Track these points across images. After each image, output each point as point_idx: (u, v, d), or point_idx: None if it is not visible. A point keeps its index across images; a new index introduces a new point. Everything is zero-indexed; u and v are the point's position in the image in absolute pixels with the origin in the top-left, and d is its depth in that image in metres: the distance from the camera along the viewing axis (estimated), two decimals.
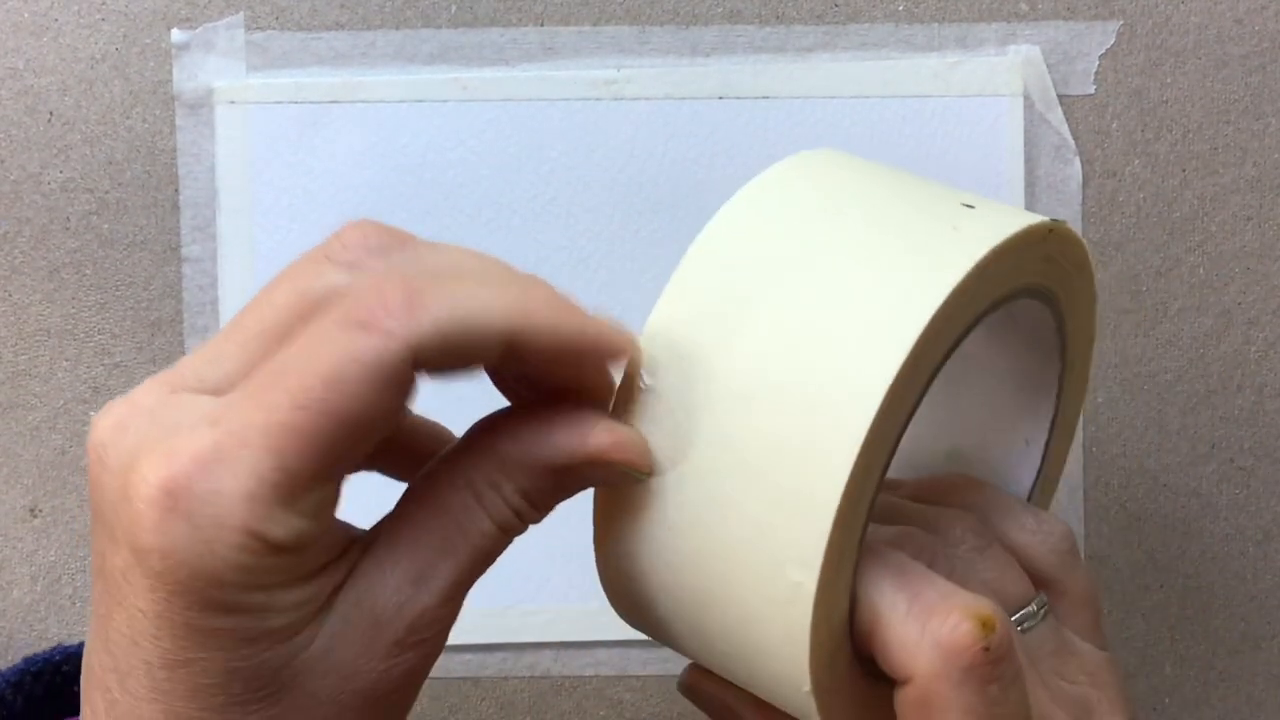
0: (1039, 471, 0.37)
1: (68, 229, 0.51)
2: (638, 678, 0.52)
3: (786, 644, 0.27)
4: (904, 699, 0.27)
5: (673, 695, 0.51)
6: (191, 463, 0.23)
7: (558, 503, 0.27)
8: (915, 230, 0.28)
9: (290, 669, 0.24)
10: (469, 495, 0.26)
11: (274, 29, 0.50)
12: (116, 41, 0.50)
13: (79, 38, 0.50)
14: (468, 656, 0.51)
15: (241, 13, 0.50)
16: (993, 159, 0.51)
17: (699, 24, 0.51)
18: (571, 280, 0.51)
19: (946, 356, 0.28)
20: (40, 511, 0.51)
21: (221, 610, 0.23)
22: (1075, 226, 0.51)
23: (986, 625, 0.27)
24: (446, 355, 0.24)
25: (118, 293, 0.51)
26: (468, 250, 0.27)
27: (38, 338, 0.51)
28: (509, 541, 0.27)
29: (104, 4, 0.50)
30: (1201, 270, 0.52)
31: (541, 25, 0.51)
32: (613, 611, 0.31)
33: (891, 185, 0.31)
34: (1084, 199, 0.51)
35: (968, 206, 0.29)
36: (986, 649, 0.26)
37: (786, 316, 0.28)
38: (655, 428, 0.28)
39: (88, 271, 0.51)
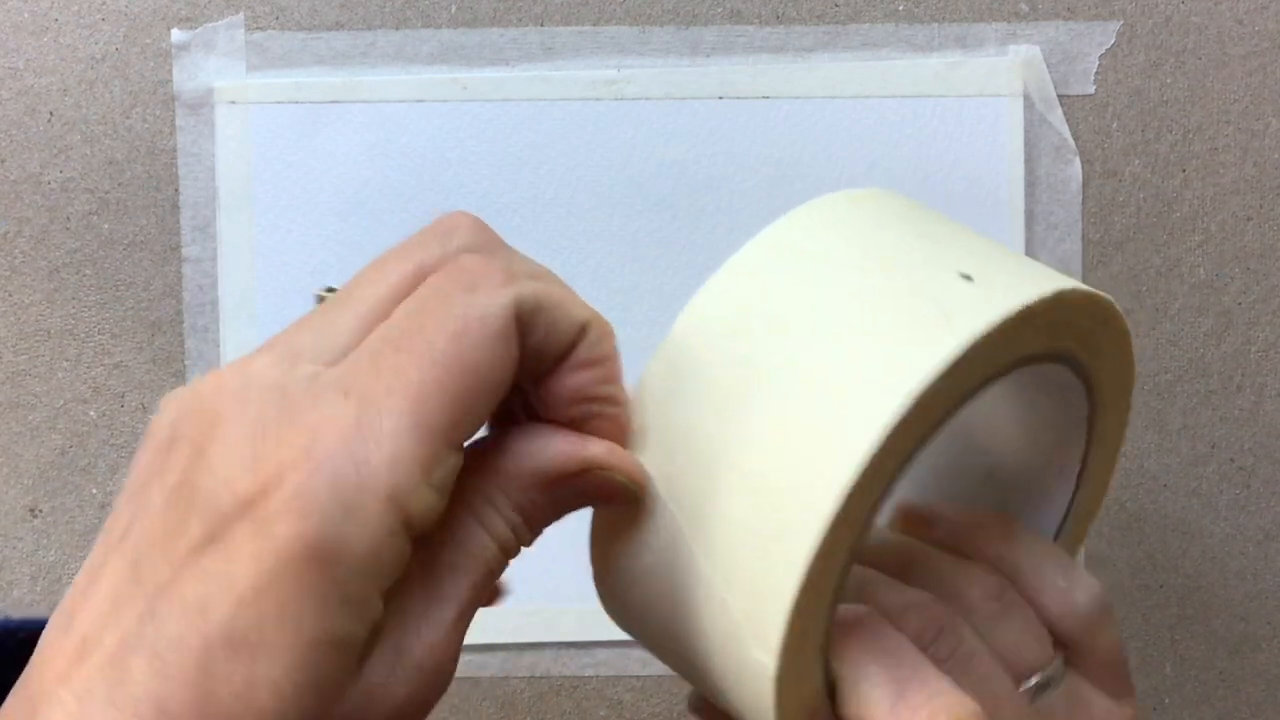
0: (1071, 502, 0.36)
1: (68, 229, 0.51)
2: (638, 678, 0.52)
3: (755, 711, 0.27)
4: None
5: (672, 695, 0.51)
6: (336, 438, 0.23)
7: (551, 520, 0.27)
8: (901, 312, 0.28)
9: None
10: (469, 516, 0.26)
11: (274, 29, 0.50)
12: (116, 41, 0.50)
13: (79, 38, 0.50)
14: (468, 656, 0.51)
15: (241, 13, 0.50)
16: (993, 159, 0.51)
17: (699, 24, 0.51)
18: (571, 280, 0.51)
19: (943, 421, 0.28)
20: (40, 511, 0.51)
21: (333, 594, 0.22)
22: (1075, 227, 0.51)
23: None
24: (535, 329, 0.25)
25: (118, 293, 0.51)
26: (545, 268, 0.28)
27: (38, 338, 0.51)
28: (507, 564, 0.27)
29: (104, 4, 0.50)
30: (1201, 270, 0.52)
31: (541, 25, 0.51)
32: None
33: (890, 247, 0.30)
34: (1084, 199, 0.51)
35: (966, 278, 0.28)
36: None
37: (756, 402, 0.27)
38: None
39: (88, 271, 0.51)
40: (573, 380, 0.27)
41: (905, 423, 0.26)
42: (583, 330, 0.26)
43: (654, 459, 0.28)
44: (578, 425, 0.27)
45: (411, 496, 0.23)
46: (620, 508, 0.28)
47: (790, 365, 0.27)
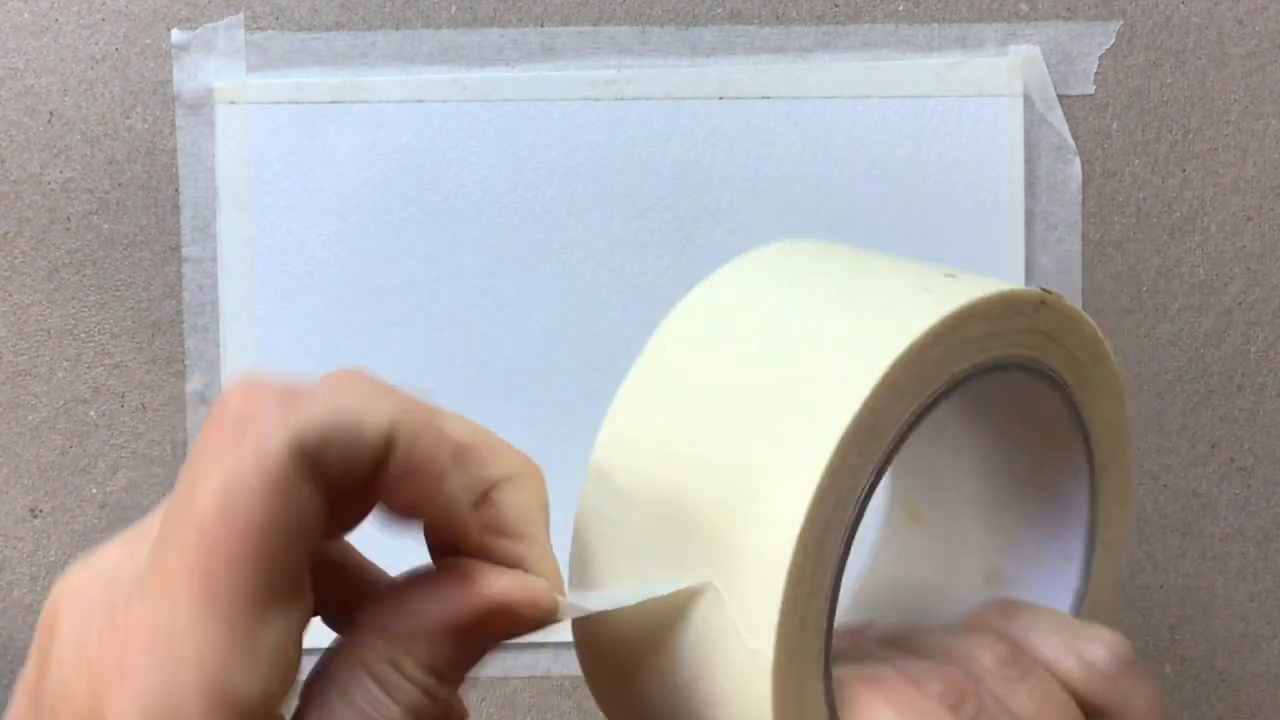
0: (1081, 587, 0.34)
1: (68, 229, 0.51)
2: None
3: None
4: None
5: None
6: (142, 644, 0.21)
7: (468, 670, 0.25)
8: (879, 294, 0.28)
9: None
10: (369, 681, 0.24)
11: (274, 29, 0.50)
12: (116, 41, 0.50)
13: (79, 38, 0.50)
14: None
15: (241, 13, 0.50)
16: (993, 159, 0.51)
17: (699, 24, 0.51)
18: (571, 280, 0.51)
19: (921, 415, 0.27)
20: (40, 511, 0.51)
21: None
22: (1075, 227, 0.51)
23: None
24: (329, 453, 0.22)
25: (118, 293, 0.51)
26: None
27: (38, 338, 0.51)
28: None
29: (104, 4, 0.50)
30: (1201, 270, 0.52)
31: (541, 25, 0.51)
32: None
33: (852, 268, 0.30)
34: (1084, 199, 0.51)
35: (950, 276, 0.28)
36: None
37: (704, 433, 0.27)
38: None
39: (88, 271, 0.51)
40: (398, 499, 0.24)
41: (881, 397, 0.26)
42: (386, 441, 0.23)
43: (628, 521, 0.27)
44: (485, 552, 0.25)
45: (236, 682, 0.21)
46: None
47: (778, 343, 0.27)
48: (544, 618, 0.25)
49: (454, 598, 0.24)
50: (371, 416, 0.23)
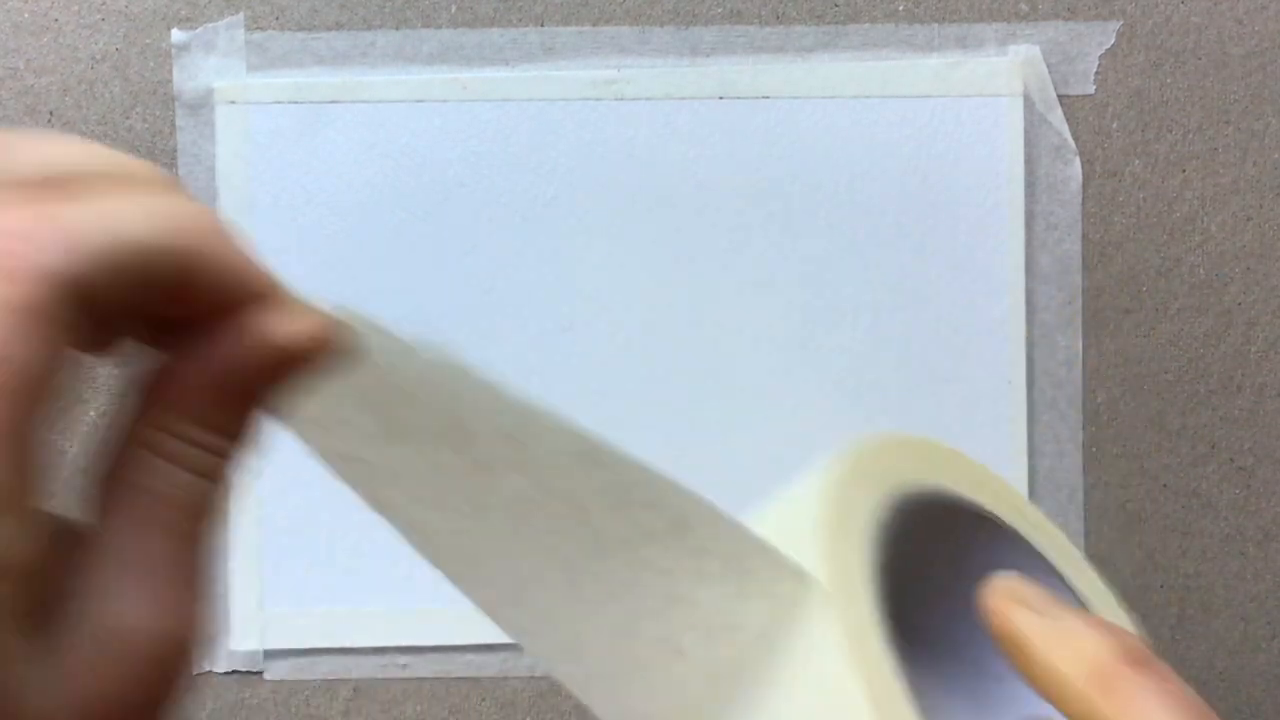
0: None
1: None
2: None
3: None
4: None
5: None
6: None
7: (254, 419, 0.22)
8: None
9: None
10: (148, 455, 0.21)
11: (274, 29, 0.50)
12: (116, 41, 0.50)
13: (79, 38, 0.50)
14: (468, 656, 0.51)
15: (241, 13, 0.50)
16: (993, 159, 0.51)
17: (699, 24, 0.51)
18: (571, 280, 0.51)
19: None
20: None
21: None
22: (1075, 227, 0.51)
23: None
24: (117, 288, 0.20)
25: None
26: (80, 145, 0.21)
27: None
28: (226, 496, 0.22)
29: (104, 4, 0.50)
30: (1201, 270, 0.52)
31: (541, 25, 0.51)
32: None
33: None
34: (1084, 199, 0.51)
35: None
36: None
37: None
38: None
39: None
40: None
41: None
42: (186, 253, 0.21)
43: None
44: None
45: None
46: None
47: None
48: (318, 339, 0.23)
49: (221, 347, 0.22)
50: (159, 240, 0.20)
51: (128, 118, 0.50)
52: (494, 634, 0.51)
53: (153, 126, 0.50)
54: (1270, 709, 0.53)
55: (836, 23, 0.51)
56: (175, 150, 0.50)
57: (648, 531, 0.24)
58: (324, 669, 0.51)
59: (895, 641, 0.27)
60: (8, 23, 0.50)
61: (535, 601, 0.26)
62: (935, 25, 0.51)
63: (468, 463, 0.24)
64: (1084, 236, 0.51)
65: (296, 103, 0.50)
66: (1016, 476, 0.51)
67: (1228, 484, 0.52)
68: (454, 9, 0.51)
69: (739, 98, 0.51)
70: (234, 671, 0.51)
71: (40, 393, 0.19)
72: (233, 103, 0.50)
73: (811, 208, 0.51)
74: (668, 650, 0.25)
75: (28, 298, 0.19)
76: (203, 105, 0.50)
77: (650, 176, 0.51)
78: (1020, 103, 0.51)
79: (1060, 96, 0.51)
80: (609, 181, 0.51)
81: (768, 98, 0.51)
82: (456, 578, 0.26)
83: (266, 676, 0.51)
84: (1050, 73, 0.51)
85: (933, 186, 0.51)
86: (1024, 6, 0.51)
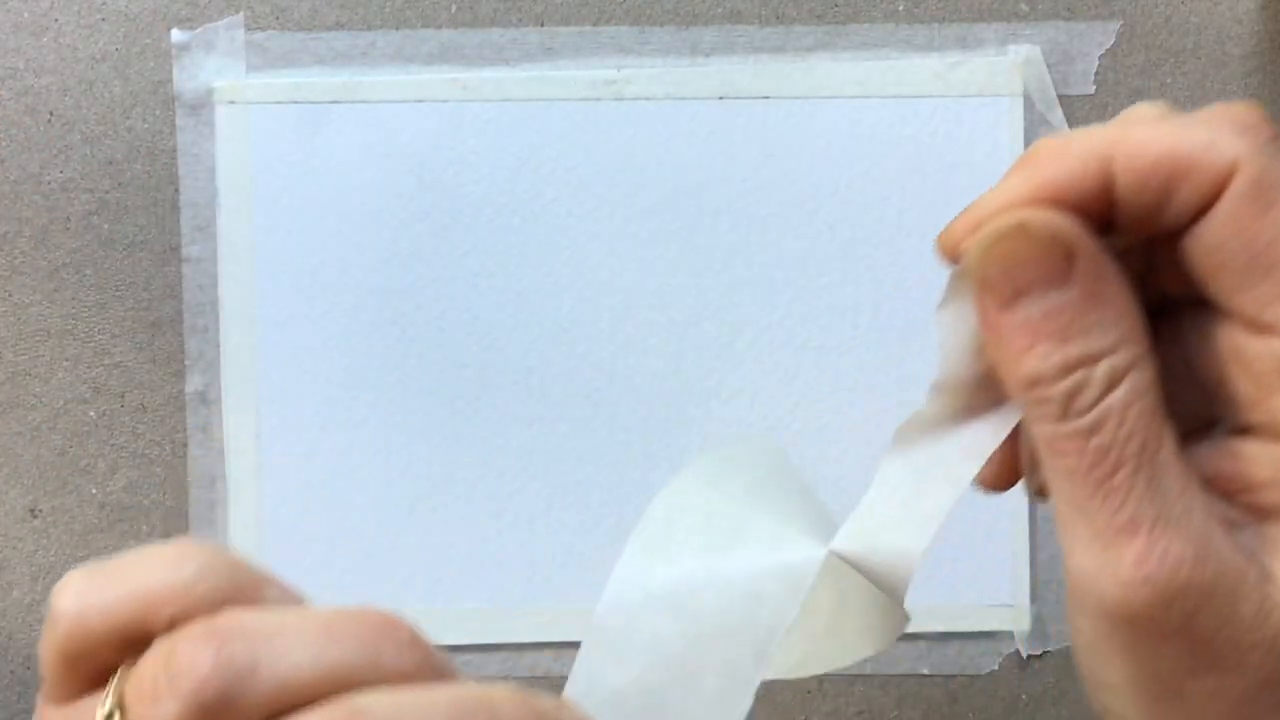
0: None
1: (68, 229, 0.51)
2: None
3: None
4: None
5: None
6: None
7: None
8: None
9: None
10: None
11: (274, 29, 0.50)
12: (116, 41, 0.50)
13: (79, 38, 0.50)
14: (468, 656, 0.51)
15: (241, 13, 0.50)
16: (993, 159, 0.51)
17: (699, 24, 0.51)
18: (571, 280, 0.51)
19: None
20: (40, 511, 0.51)
21: None
22: None
23: None
24: None
25: (118, 293, 0.51)
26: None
27: (38, 338, 0.51)
28: None
29: (104, 4, 0.50)
30: None
31: (541, 25, 0.51)
32: None
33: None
34: None
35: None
36: None
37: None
38: None
39: (88, 271, 0.51)
40: None
41: None
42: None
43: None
44: None
45: None
46: None
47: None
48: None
49: None
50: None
51: (128, 118, 0.51)
52: (494, 634, 0.51)
53: (153, 126, 0.51)
54: None
55: (836, 23, 0.51)
56: (175, 150, 0.50)
57: None
58: None
59: None
60: (8, 23, 0.50)
61: None
62: (935, 25, 0.51)
63: None
64: None
65: (296, 103, 0.50)
66: None
67: None
68: (454, 9, 0.51)
69: (739, 98, 0.51)
70: None
71: None
72: (233, 103, 0.50)
73: (812, 207, 0.51)
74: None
75: None
76: (203, 105, 0.50)
77: (650, 177, 0.51)
78: (1020, 103, 0.51)
79: (1060, 96, 0.51)
80: (609, 182, 0.51)
81: (768, 98, 0.51)
82: None
83: None
84: (1050, 73, 0.51)
85: (933, 186, 0.51)
86: (1024, 6, 0.51)
